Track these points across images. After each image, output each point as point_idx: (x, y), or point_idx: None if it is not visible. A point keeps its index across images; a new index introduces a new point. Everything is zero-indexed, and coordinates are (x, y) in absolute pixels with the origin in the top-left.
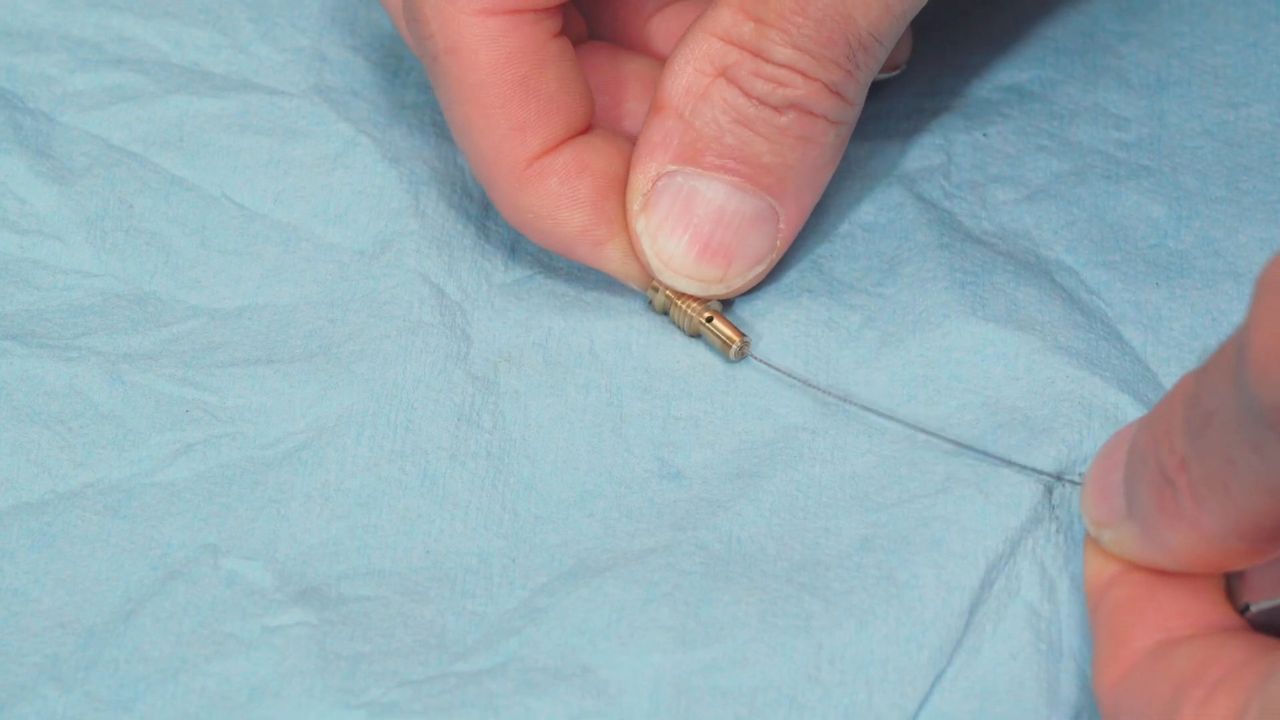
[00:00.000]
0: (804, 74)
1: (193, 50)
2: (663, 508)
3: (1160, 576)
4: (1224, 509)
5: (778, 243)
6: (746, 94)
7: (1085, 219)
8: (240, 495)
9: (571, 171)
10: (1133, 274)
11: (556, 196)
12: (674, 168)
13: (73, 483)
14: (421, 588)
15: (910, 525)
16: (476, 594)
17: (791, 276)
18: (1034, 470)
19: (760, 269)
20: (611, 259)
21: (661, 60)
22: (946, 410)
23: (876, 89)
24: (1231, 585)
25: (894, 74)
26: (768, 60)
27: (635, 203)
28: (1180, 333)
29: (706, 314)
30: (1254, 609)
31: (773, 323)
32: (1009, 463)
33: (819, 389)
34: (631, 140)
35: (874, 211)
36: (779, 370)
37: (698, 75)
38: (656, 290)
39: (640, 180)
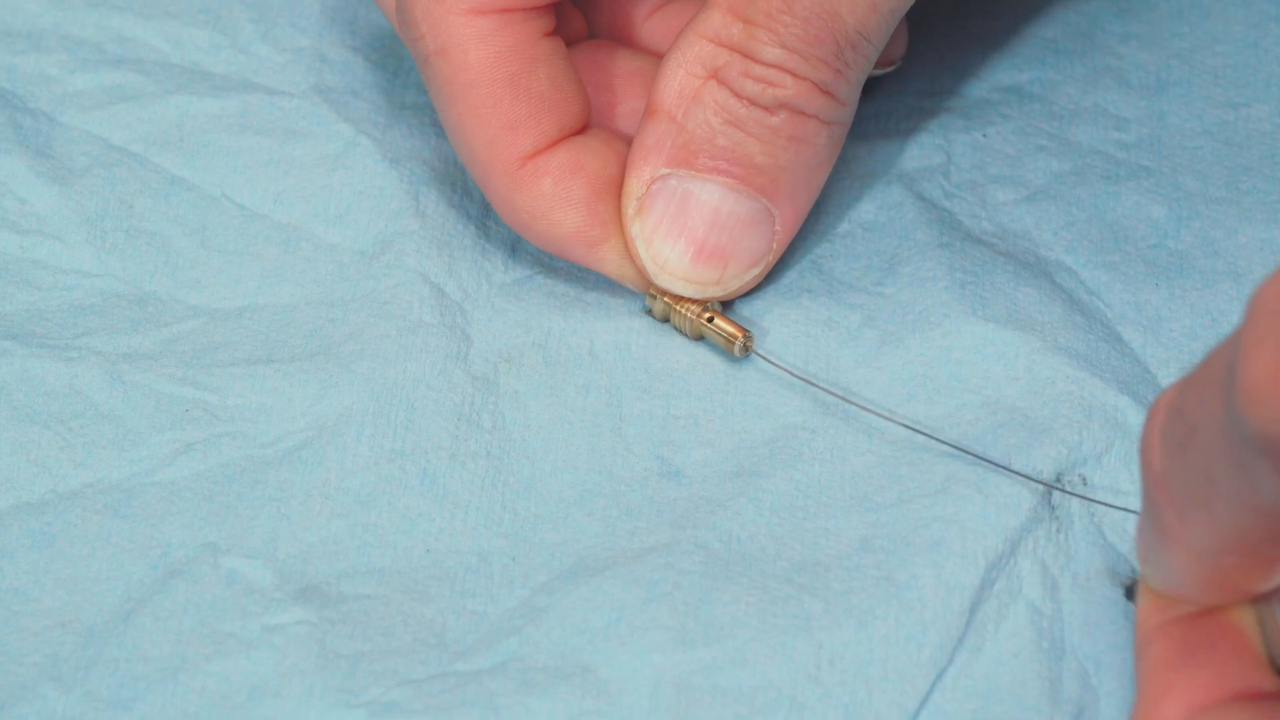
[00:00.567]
0: (793, 73)
1: (193, 50)
2: (662, 506)
3: (1199, 633)
4: (1209, 527)
5: (774, 244)
6: (737, 95)
7: (1085, 219)
8: (240, 494)
9: (566, 172)
10: (1133, 274)
11: (550, 197)
12: (668, 171)
13: (73, 483)
14: (422, 586)
15: (910, 526)
16: (476, 593)
17: (791, 276)
18: (1033, 479)
19: (757, 271)
20: (608, 261)
21: (660, 59)
22: (946, 410)
23: (875, 88)
24: (1272, 644)
25: (890, 70)
26: (756, 60)
27: (630, 206)
28: (1180, 333)
29: (707, 315)
30: None
31: (773, 322)
32: (1009, 470)
33: (821, 387)
34: (628, 140)
35: (874, 210)
36: (781, 368)
37: (689, 78)
38: (655, 298)
39: (635, 184)
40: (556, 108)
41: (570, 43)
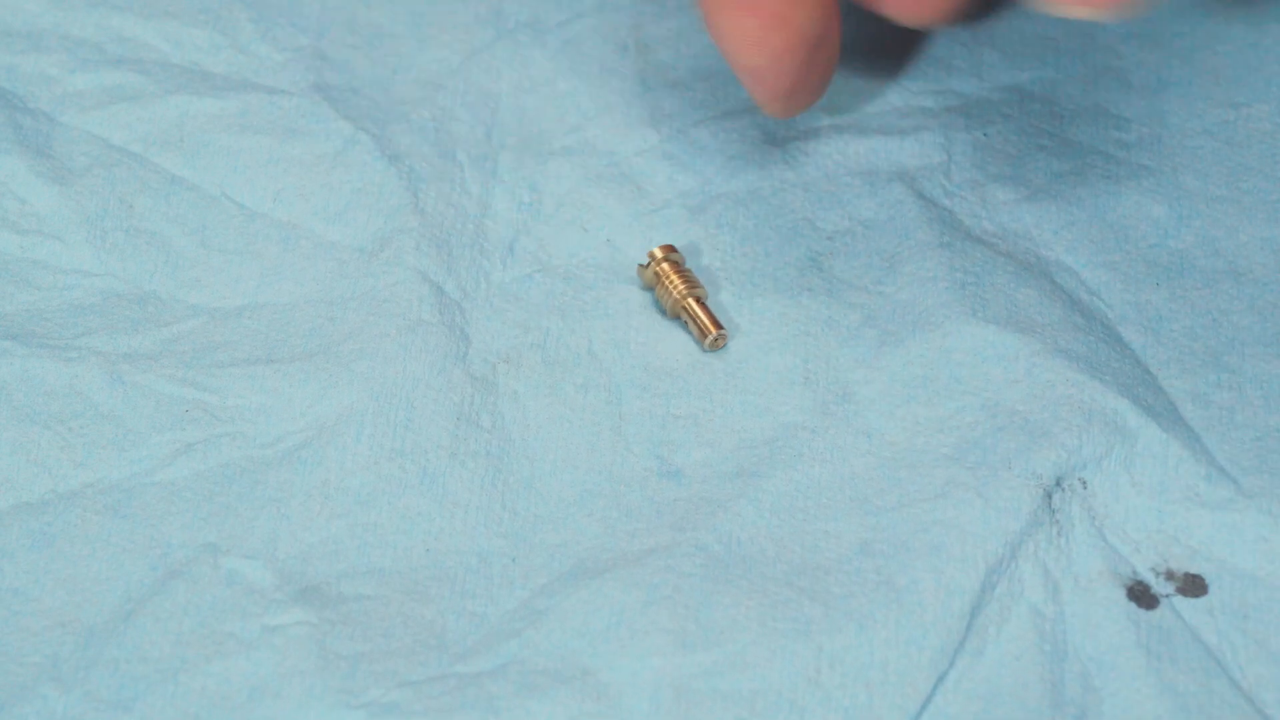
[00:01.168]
0: None
1: (193, 50)
2: (662, 507)
3: None
4: None
5: None
6: None
7: (1085, 219)
8: (240, 494)
9: None
10: (1133, 274)
11: None
12: None
13: (73, 483)
14: (421, 587)
15: (910, 530)
16: (476, 594)
17: (791, 275)
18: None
19: None
20: None
21: None
22: (945, 412)
23: (876, 88)
24: None
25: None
26: None
27: None
28: (1180, 333)
29: (691, 297)
30: None
31: (772, 321)
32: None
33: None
34: None
35: (874, 209)
36: None
37: None
38: (647, 266)
39: None
40: None
41: None
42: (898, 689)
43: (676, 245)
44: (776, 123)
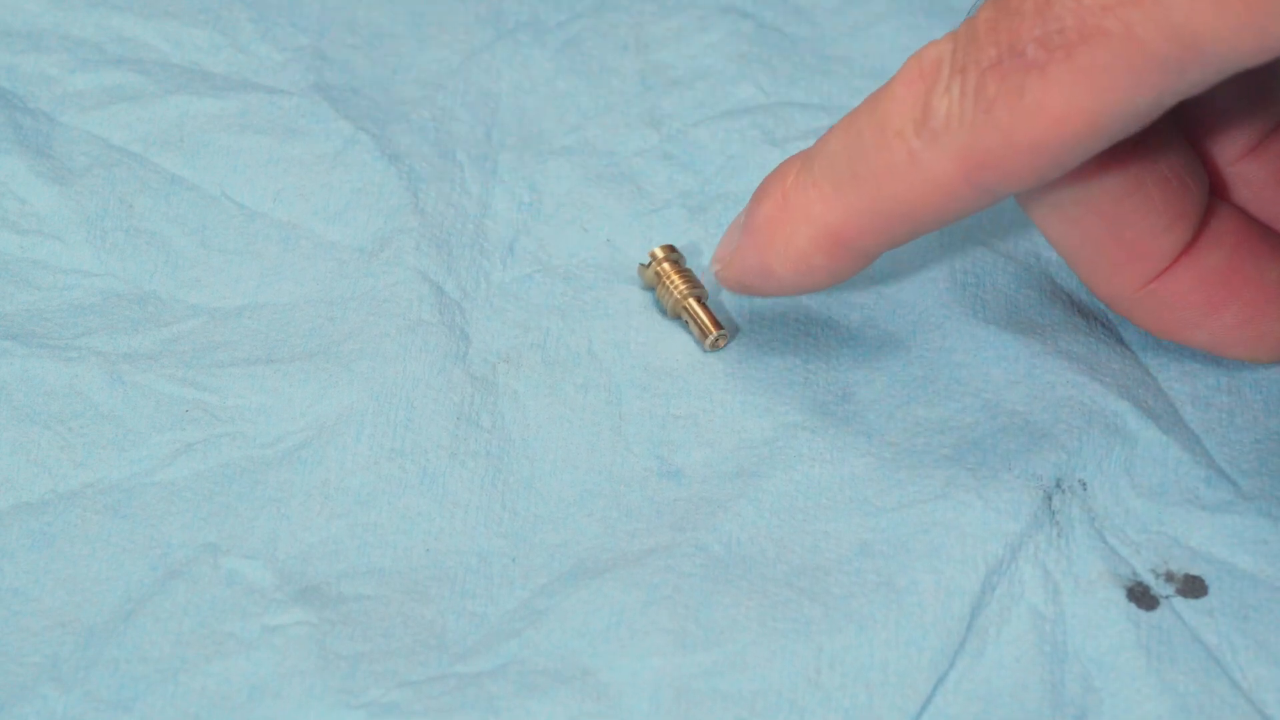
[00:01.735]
0: None
1: (193, 50)
2: (662, 507)
3: None
4: None
5: None
6: None
7: None
8: (240, 494)
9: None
10: None
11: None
12: None
13: (73, 483)
14: (421, 586)
15: (909, 531)
16: (476, 594)
17: None
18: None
19: None
20: None
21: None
22: (945, 412)
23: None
24: None
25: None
26: None
27: None
28: None
29: (691, 297)
30: None
31: (772, 321)
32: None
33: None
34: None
35: None
36: None
37: None
38: (648, 265)
39: None
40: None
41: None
42: (898, 690)
43: (676, 245)
44: (776, 122)
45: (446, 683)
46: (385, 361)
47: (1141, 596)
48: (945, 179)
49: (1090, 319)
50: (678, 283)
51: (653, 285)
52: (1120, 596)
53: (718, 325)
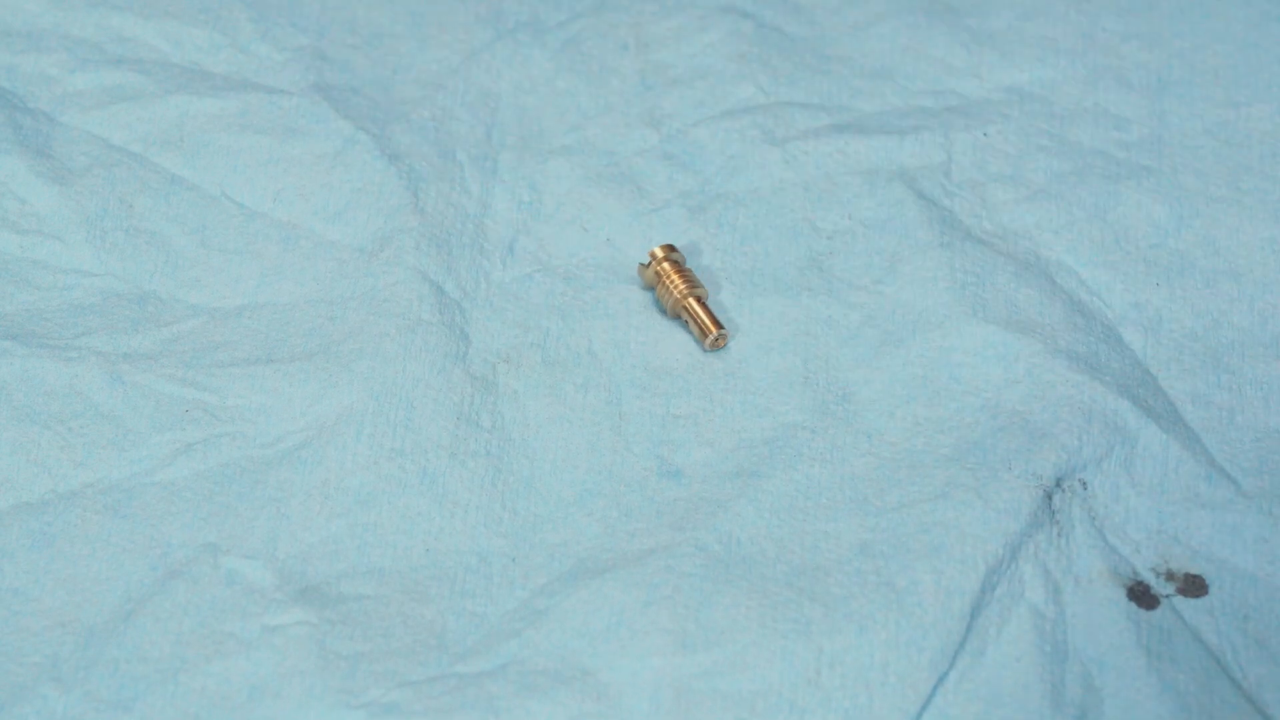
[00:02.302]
0: None
1: (193, 50)
2: (662, 506)
3: None
4: None
5: None
6: None
7: (1085, 219)
8: (240, 494)
9: None
10: (1133, 274)
11: None
12: None
13: (73, 483)
14: (421, 586)
15: (909, 531)
16: (476, 594)
17: (791, 274)
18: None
19: None
20: None
21: None
22: (945, 412)
23: (876, 88)
24: None
25: None
26: None
27: None
28: (1180, 333)
29: (691, 297)
30: None
31: (772, 320)
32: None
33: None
34: None
35: (874, 208)
36: None
37: None
38: (648, 265)
39: None
40: None
41: None
42: (898, 690)
43: (676, 245)
44: (776, 122)
45: (446, 683)
46: (385, 361)
47: (1142, 596)
48: None
49: (1089, 318)
50: (678, 282)
51: (653, 285)
52: (1121, 596)
53: (718, 325)
